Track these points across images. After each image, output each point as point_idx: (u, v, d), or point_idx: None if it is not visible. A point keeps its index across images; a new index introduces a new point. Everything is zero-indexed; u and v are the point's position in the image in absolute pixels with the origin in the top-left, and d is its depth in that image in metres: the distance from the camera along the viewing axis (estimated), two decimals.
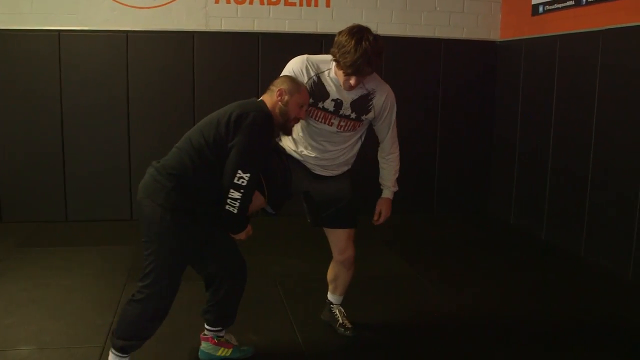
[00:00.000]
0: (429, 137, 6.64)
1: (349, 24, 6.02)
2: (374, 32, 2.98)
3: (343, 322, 3.61)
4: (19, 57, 5.82)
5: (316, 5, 6.26)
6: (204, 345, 3.28)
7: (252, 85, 5.88)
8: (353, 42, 2.89)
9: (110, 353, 2.88)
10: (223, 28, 6.13)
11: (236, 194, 2.78)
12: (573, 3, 5.30)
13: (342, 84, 3.08)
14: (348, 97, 3.15)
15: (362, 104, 3.19)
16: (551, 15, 5.63)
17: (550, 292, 4.42)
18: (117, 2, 5.90)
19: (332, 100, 3.16)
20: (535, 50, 5.89)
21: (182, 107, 6.07)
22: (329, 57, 3.12)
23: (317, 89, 3.15)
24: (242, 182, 2.77)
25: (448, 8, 6.47)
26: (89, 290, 4.23)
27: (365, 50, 2.89)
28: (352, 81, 3.02)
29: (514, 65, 6.21)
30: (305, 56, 3.20)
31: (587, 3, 5.12)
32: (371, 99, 3.20)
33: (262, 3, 6.16)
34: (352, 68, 2.94)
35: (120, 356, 2.86)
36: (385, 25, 6.34)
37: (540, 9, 5.77)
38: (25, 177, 5.98)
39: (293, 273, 4.70)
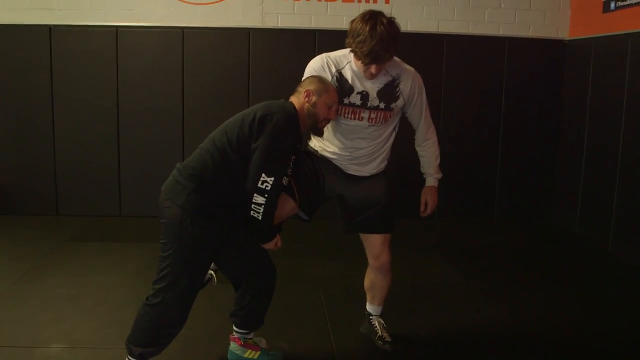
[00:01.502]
0: (491, 139, 6.34)
1: (409, 21, 5.99)
2: (389, 16, 2.83)
3: (382, 335, 3.42)
4: (78, 53, 5.88)
5: (375, 2, 6.08)
6: (233, 346, 3.22)
7: None
8: (367, 28, 2.76)
9: None
10: (279, 25, 6.03)
11: (260, 199, 2.68)
12: None
13: (363, 74, 2.94)
14: (373, 87, 3.00)
15: (389, 92, 3.03)
16: (623, 12, 5.26)
17: (612, 308, 4.09)
18: None
19: (358, 93, 3.01)
20: (606, 49, 5.53)
21: (237, 105, 5.87)
22: (346, 50, 3.00)
23: (341, 85, 3.01)
24: (267, 186, 2.66)
25: (514, 5, 6.15)
26: (129, 289, 4.19)
27: (382, 36, 2.75)
28: (373, 69, 2.88)
29: (583, 64, 5.85)
30: (323, 54, 3.10)
31: None
32: (397, 85, 3.04)
33: (319, 0, 6.02)
34: (371, 56, 2.80)
35: None
36: (446, 22, 6.12)
37: (612, 5, 5.41)
38: (81, 171, 6.05)
39: (335, 277, 4.54)
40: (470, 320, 3.85)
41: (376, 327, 3.47)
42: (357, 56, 2.86)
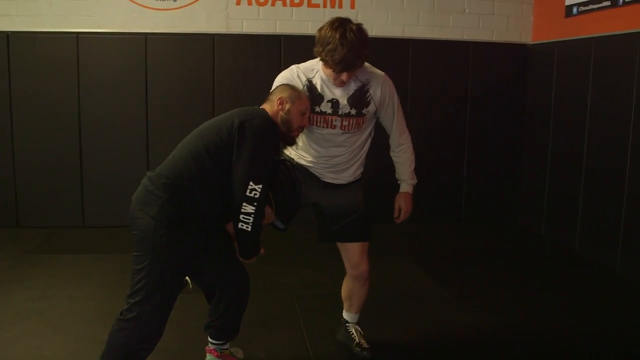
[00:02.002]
0: (457, 142, 6.39)
1: (375, 26, 5.99)
2: (356, 22, 2.80)
3: (360, 342, 3.38)
4: (37, 60, 5.73)
5: (340, 7, 6.07)
6: (209, 358, 3.14)
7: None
8: (337, 36, 2.72)
9: None
10: (244, 30, 5.97)
11: (249, 208, 2.60)
12: (609, 4, 5.01)
13: (333, 81, 2.91)
14: (343, 94, 2.97)
15: (359, 98, 3.00)
16: (586, 16, 5.34)
17: (582, 309, 4.13)
18: (136, 3, 5.77)
19: (328, 101, 2.97)
20: (569, 53, 5.61)
21: (202, 111, 5.91)
22: (314, 60, 2.98)
23: (311, 94, 2.97)
24: (255, 194, 2.59)
25: (478, 10, 6.21)
26: (97, 301, 4.07)
27: (352, 43, 2.72)
28: (344, 77, 2.86)
29: (546, 68, 5.93)
30: (293, 66, 3.06)
31: (625, 3, 4.84)
32: (367, 90, 3.01)
33: (284, 5, 5.99)
34: (342, 64, 2.77)
35: None
36: (412, 27, 6.14)
37: (574, 10, 5.50)
38: (42, 182, 5.88)
39: (310, 286, 4.49)
40: (446, 326, 3.84)
41: (353, 334, 3.43)
42: (328, 64, 2.81)
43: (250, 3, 5.94)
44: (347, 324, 3.47)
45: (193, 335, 3.48)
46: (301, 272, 4.76)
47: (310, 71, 2.99)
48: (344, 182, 3.17)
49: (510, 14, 6.26)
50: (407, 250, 5.28)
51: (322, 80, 2.96)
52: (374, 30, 6.01)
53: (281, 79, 3.03)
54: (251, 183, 2.59)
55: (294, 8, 6.00)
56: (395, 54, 6.04)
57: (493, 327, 3.81)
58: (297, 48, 5.87)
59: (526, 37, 6.32)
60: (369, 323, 3.55)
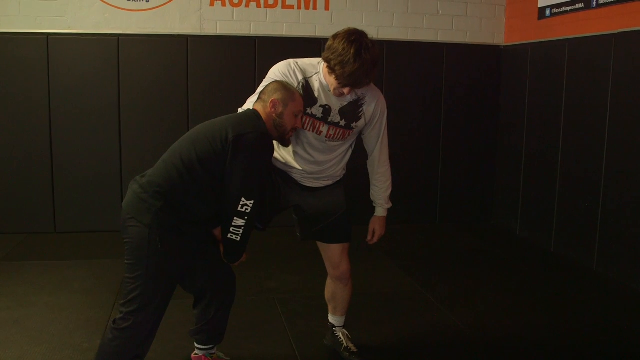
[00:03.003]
0: (431, 144, 6.43)
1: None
2: (372, 38, 2.73)
3: (348, 346, 3.36)
4: (6, 61, 5.59)
5: (315, 8, 6.05)
6: None
7: (248, 91, 5.46)
8: (352, 51, 2.63)
9: None
10: (218, 32, 5.91)
11: (240, 222, 2.60)
12: (582, 6, 5.09)
13: (332, 90, 2.85)
14: (337, 104, 2.91)
15: (351, 111, 2.95)
16: (559, 18, 5.42)
17: (560, 308, 4.19)
18: (108, 4, 5.67)
19: (321, 106, 2.91)
20: (542, 55, 5.68)
21: (176, 114, 5.85)
22: (315, 60, 2.91)
23: (306, 94, 2.89)
24: (247, 209, 2.59)
25: (451, 12, 6.26)
26: (76, 309, 3.97)
27: (365, 62, 2.65)
28: (345, 90, 2.79)
29: (520, 70, 6.00)
30: (291, 60, 2.96)
31: (598, 5, 4.92)
32: (361, 105, 2.96)
33: (259, 6, 5.95)
34: (350, 80, 2.71)
35: None
36: (386, 29, 6.16)
37: (547, 12, 5.57)
38: (12, 186, 5.75)
39: (291, 290, 4.45)
40: (431, 327, 3.85)
41: (340, 338, 3.40)
42: (335, 75, 2.72)
43: (224, 4, 5.88)
44: (334, 328, 3.44)
45: (176, 342, 3.44)
46: (284, 276, 4.72)
47: (310, 70, 2.92)
48: (322, 185, 3.15)
49: (483, 16, 6.33)
50: (386, 252, 5.28)
51: (321, 84, 2.89)
52: None
53: (276, 72, 2.93)
54: (243, 199, 2.58)
55: (268, 9, 5.96)
56: None
57: (475, 328, 3.83)
58: (272, 49, 5.87)
59: (499, 38, 6.38)
60: (355, 326, 3.54)
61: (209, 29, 5.89)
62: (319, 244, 3.27)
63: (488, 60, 6.40)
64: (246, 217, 2.60)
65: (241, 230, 2.62)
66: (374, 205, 3.25)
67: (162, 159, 2.70)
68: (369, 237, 3.24)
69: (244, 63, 5.92)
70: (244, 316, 3.83)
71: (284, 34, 5.99)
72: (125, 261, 2.61)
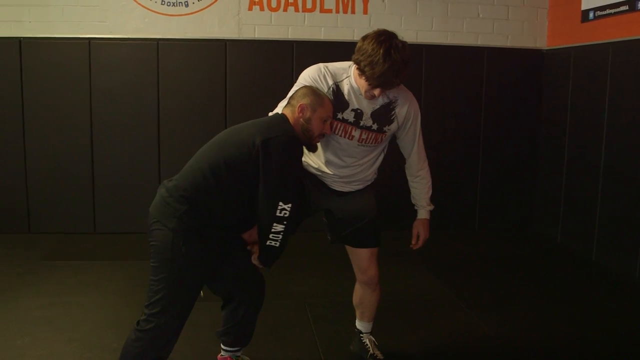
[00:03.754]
0: (471, 149, 6.32)
1: None
2: (402, 39, 2.70)
3: (374, 353, 3.31)
4: (50, 65, 5.72)
5: (353, 12, 6.02)
6: None
7: (286, 95, 5.62)
8: (381, 51, 2.60)
9: None
10: (256, 36, 5.94)
11: (279, 227, 2.59)
12: (627, 8, 4.94)
13: (363, 93, 2.81)
14: (369, 107, 2.88)
15: (384, 114, 2.92)
16: (603, 21, 5.27)
17: (599, 320, 4.05)
18: (148, 9, 5.76)
19: (352, 110, 2.88)
20: (585, 59, 5.53)
21: (214, 118, 5.89)
22: (346, 64, 2.87)
23: (336, 99, 2.86)
24: (285, 213, 2.57)
25: (492, 15, 6.16)
26: (109, 309, 4.04)
27: (395, 62, 2.62)
28: (376, 92, 2.76)
29: (562, 74, 5.86)
30: (321, 64, 2.93)
31: None
32: (393, 108, 2.92)
33: (297, 10, 5.95)
34: (380, 80, 2.67)
35: None
36: (425, 32, 6.09)
37: (591, 15, 5.42)
38: (54, 188, 5.87)
39: (321, 294, 4.42)
40: (461, 336, 3.77)
41: (367, 345, 3.36)
42: (365, 77, 2.70)
43: (262, 8, 5.91)
44: (360, 335, 3.40)
45: (202, 345, 3.46)
46: (313, 281, 4.70)
47: (340, 74, 2.89)
48: (353, 190, 3.11)
49: (524, 19, 6.20)
50: (421, 259, 5.19)
51: (352, 87, 2.86)
52: None
53: (306, 77, 2.91)
54: (281, 203, 2.56)
55: (306, 13, 5.96)
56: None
57: (507, 337, 3.74)
58: (310, 54, 5.85)
59: (541, 42, 6.25)
60: (382, 333, 3.50)
61: (247, 34, 5.92)
62: (348, 248, 3.24)
63: (530, 65, 6.27)
64: (285, 222, 2.59)
65: (280, 236, 2.62)
66: (415, 208, 3.20)
67: (189, 163, 2.71)
68: (413, 242, 3.20)
69: (281, 67, 5.93)
70: (272, 320, 3.83)
71: (321, 38, 5.98)
72: (151, 264, 2.63)
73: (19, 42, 5.66)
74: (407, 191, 3.22)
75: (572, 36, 5.77)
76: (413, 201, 3.20)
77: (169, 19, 5.80)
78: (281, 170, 2.56)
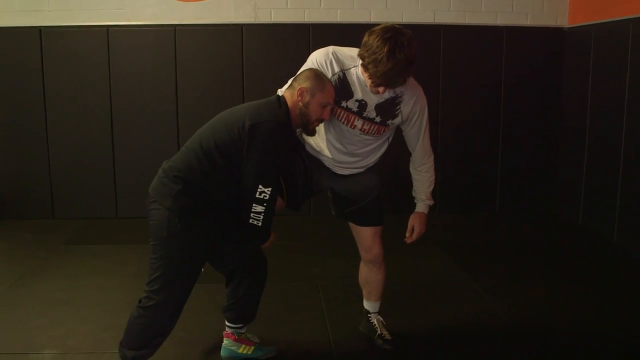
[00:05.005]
0: (491, 131, 6.25)
1: (405, 12, 5.89)
2: (408, 35, 2.62)
3: (382, 333, 3.33)
4: (69, 53, 5.81)
5: None
6: (226, 342, 3.17)
7: None
8: (386, 50, 2.56)
9: None
10: (272, 20, 5.94)
11: (259, 208, 2.65)
12: None
13: (368, 86, 2.78)
14: (374, 100, 2.86)
15: (388, 108, 2.90)
16: None
17: (619, 304, 3.97)
18: None
19: (356, 100, 2.87)
20: (607, 36, 5.42)
21: (231, 102, 5.75)
22: (356, 51, 2.81)
23: (342, 87, 2.85)
24: (265, 196, 2.62)
25: None
26: (125, 292, 4.11)
27: (399, 61, 2.57)
28: (381, 89, 2.74)
29: (583, 52, 5.75)
30: (330, 48, 2.90)
31: None
32: (399, 103, 2.90)
33: None
34: (382, 79, 2.65)
35: None
36: (442, 13, 6.02)
37: None
38: (76, 174, 5.99)
39: (334, 277, 4.44)
40: (472, 318, 3.76)
41: (375, 325, 3.38)
42: (369, 73, 2.69)
43: None
44: (368, 315, 3.42)
45: (211, 324, 3.53)
46: (326, 262, 4.72)
47: (348, 62, 2.86)
48: (354, 172, 3.12)
49: None
50: (439, 242, 5.18)
51: (358, 78, 2.83)
52: (404, 16, 5.94)
53: (314, 60, 2.90)
54: (260, 186, 2.61)
55: None
56: (426, 41, 5.90)
57: (523, 321, 3.71)
58: (326, 37, 5.79)
59: (562, 20, 6.13)
60: (396, 314, 3.54)
61: (264, 17, 5.93)
62: (351, 225, 3.27)
63: (551, 43, 6.16)
64: (265, 204, 2.64)
65: (261, 216, 2.66)
66: (415, 201, 3.20)
67: (185, 144, 2.77)
68: (407, 235, 3.19)
69: (298, 50, 5.88)
70: (284, 301, 3.89)
71: (338, 20, 5.96)
72: (150, 243, 2.69)
73: (39, 30, 5.75)
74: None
75: (593, 13, 5.66)
76: (413, 194, 3.19)
77: (185, 4, 5.83)
78: (264, 155, 2.60)
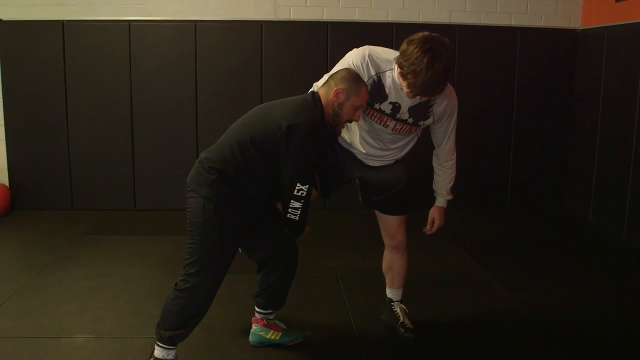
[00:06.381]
0: (504, 128, 6.35)
1: (421, 12, 5.99)
2: (445, 44, 2.66)
3: (404, 322, 3.43)
4: (91, 47, 5.90)
5: None
6: (255, 328, 3.27)
7: (321, 76, 5.68)
8: (425, 61, 2.59)
9: (157, 347, 2.84)
10: (292, 17, 6.03)
11: (297, 204, 2.79)
12: None
13: (404, 90, 2.81)
14: (407, 102, 2.92)
15: (421, 110, 2.98)
16: (637, 0, 5.24)
17: (629, 298, 4.09)
18: None
19: (390, 103, 2.95)
20: (620, 38, 5.51)
21: (250, 98, 6.00)
22: (391, 54, 2.88)
23: (376, 90, 2.93)
24: (302, 193, 2.76)
25: None
26: (149, 280, 4.22)
27: (436, 72, 2.62)
28: (417, 97, 2.82)
29: (596, 54, 5.85)
30: (367, 51, 2.94)
31: None
32: (431, 105, 2.98)
33: None
34: (421, 89, 2.71)
35: (168, 348, 2.82)
36: (458, 13, 6.12)
37: None
38: (96, 166, 6.08)
39: (354, 268, 4.55)
40: (490, 308, 3.86)
41: (398, 313, 3.48)
42: (407, 83, 2.72)
43: None
44: (391, 303, 3.52)
45: (239, 312, 3.64)
46: (345, 255, 4.82)
47: (384, 66, 2.91)
48: (384, 164, 3.22)
49: None
50: (453, 236, 5.28)
51: (394, 81, 2.88)
52: (420, 16, 6.03)
53: (350, 61, 2.94)
54: (298, 184, 2.74)
55: None
56: None
57: (537, 311, 3.82)
58: (344, 34, 5.95)
59: (575, 22, 6.23)
60: (413, 305, 3.60)
61: (283, 15, 6.02)
62: (377, 213, 3.38)
63: (564, 45, 6.25)
64: (302, 200, 2.78)
65: (299, 211, 2.81)
66: (435, 195, 3.31)
67: (221, 138, 2.89)
68: (427, 227, 3.31)
69: (316, 48, 6.02)
70: (305, 291, 3.97)
71: (356, 18, 6.05)
72: (187, 229, 2.81)
73: (62, 24, 5.85)
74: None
75: (606, 15, 5.75)
76: (434, 187, 3.30)
77: (206, 0, 5.93)
78: (301, 156, 2.72)
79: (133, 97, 6.00)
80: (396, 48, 2.91)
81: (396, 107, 2.95)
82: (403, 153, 3.22)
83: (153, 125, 6.05)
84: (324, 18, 6.04)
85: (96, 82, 5.94)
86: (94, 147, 6.05)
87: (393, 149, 3.16)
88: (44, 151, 6.06)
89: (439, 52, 2.61)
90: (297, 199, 2.77)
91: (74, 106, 5.97)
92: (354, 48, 3.03)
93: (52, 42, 5.87)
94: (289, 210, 2.81)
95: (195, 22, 5.94)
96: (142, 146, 6.09)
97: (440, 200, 3.30)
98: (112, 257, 4.71)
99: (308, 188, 2.76)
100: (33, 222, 5.66)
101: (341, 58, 3.05)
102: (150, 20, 5.92)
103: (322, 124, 2.81)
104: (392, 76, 2.89)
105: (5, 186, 5.97)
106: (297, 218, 2.83)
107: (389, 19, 6.01)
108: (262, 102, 5.75)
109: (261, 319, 3.25)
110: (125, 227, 5.59)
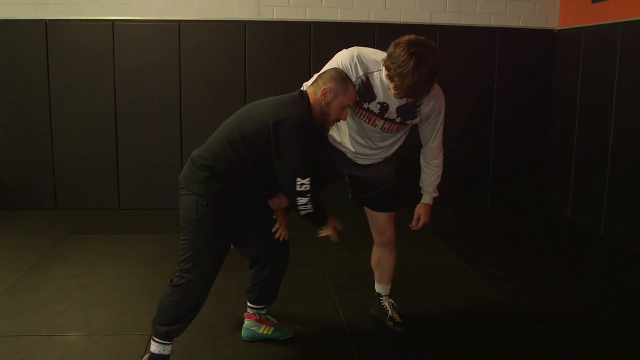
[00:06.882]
0: (484, 128, 6.48)
1: (402, 12, 6.07)
2: (431, 47, 2.72)
3: (393, 316, 3.51)
4: (74, 47, 5.91)
5: None
6: (247, 323, 3.33)
7: (304, 75, 5.68)
8: (411, 64, 2.64)
9: (153, 342, 2.88)
10: (275, 17, 6.08)
11: (303, 200, 2.81)
12: None
13: (391, 89, 2.86)
14: (395, 102, 2.98)
15: (409, 110, 3.04)
16: (613, 1, 5.39)
17: (606, 291, 4.22)
18: None
19: (379, 103, 3.00)
20: (596, 39, 5.66)
21: (234, 97, 6.05)
22: (380, 55, 2.92)
23: (364, 90, 2.98)
24: (305, 187, 2.78)
25: None
26: (139, 278, 4.26)
27: (422, 75, 2.68)
28: (404, 99, 2.88)
29: (573, 54, 5.99)
30: (356, 52, 2.99)
31: None
32: (419, 105, 3.04)
33: None
34: (407, 92, 2.77)
35: (164, 343, 2.86)
36: (439, 13, 6.22)
37: None
38: (79, 166, 6.09)
39: (341, 264, 4.63)
40: (474, 301, 3.96)
41: (386, 307, 3.56)
42: (394, 85, 2.77)
43: None
44: (380, 298, 3.60)
45: (230, 308, 3.69)
46: (332, 252, 4.86)
47: (372, 67, 2.96)
48: (373, 162, 3.29)
49: (537, 0, 6.31)
50: (436, 233, 5.37)
51: (382, 82, 2.93)
52: (401, 16, 6.13)
53: (339, 61, 2.98)
54: (298, 179, 2.76)
55: None
56: None
57: (520, 304, 3.93)
58: (327, 35, 6.02)
59: (553, 22, 6.36)
60: (400, 299, 3.68)
61: (266, 15, 6.07)
62: (367, 210, 3.45)
63: (541, 45, 6.39)
64: (308, 195, 2.79)
65: (309, 205, 2.83)
66: (421, 192, 3.38)
67: (212, 135, 2.93)
68: (413, 223, 3.38)
69: (299, 47, 6.09)
70: (294, 287, 4.03)
71: (338, 18, 6.12)
72: (180, 226, 2.86)
73: (45, 24, 5.84)
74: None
75: (583, 16, 5.89)
76: (420, 184, 3.36)
77: (190, 0, 5.96)
78: (293, 151, 2.74)
79: (117, 97, 6.01)
80: (378, 48, 3.00)
81: (384, 107, 3.01)
82: (392, 151, 3.29)
83: (137, 124, 6.07)
84: (306, 18, 6.10)
85: (80, 81, 5.95)
86: (77, 146, 6.05)
87: (382, 147, 3.23)
88: (27, 151, 6.04)
89: (425, 55, 2.67)
90: (302, 194, 2.78)
91: (57, 106, 5.96)
92: (336, 48, 3.09)
93: (36, 42, 5.87)
94: (299, 207, 2.83)
95: (179, 22, 5.97)
96: (126, 145, 6.10)
97: (427, 198, 3.37)
98: (100, 255, 4.72)
99: (310, 180, 2.76)
100: (17, 221, 5.65)
101: (324, 57, 3.14)
102: (134, 20, 5.94)
103: (309, 120, 2.85)
104: (380, 77, 2.94)
105: None
106: (312, 209, 2.84)
107: (370, 19, 6.10)
108: (246, 101, 5.93)
109: (253, 314, 3.31)
110: (110, 226, 5.60)
